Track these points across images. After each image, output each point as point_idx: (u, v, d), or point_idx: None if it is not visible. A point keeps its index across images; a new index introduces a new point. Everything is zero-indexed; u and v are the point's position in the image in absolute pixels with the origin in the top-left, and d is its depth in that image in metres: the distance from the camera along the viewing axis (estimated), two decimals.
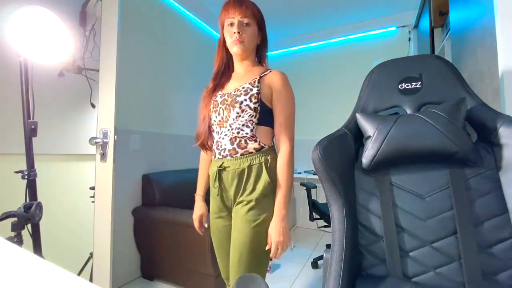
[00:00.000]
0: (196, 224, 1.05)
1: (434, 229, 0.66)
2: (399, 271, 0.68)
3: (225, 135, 0.89)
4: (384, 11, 2.73)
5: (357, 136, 0.84)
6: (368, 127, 0.78)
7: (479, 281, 0.61)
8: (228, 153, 0.88)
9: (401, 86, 0.80)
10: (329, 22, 2.97)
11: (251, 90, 0.88)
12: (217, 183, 0.90)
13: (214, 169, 0.91)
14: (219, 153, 0.91)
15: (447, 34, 1.73)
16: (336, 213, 0.71)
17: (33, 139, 1.04)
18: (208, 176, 1.01)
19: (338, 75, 3.07)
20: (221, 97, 0.92)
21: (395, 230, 0.69)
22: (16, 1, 1.15)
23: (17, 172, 1.01)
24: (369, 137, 0.78)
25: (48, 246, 1.13)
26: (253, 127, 0.89)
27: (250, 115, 0.88)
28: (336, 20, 2.94)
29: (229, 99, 0.89)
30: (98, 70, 1.57)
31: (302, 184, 2.41)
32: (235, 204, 0.90)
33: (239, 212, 0.87)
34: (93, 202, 1.62)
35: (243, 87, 0.90)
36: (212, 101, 0.94)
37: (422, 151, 0.71)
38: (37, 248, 1.04)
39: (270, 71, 0.92)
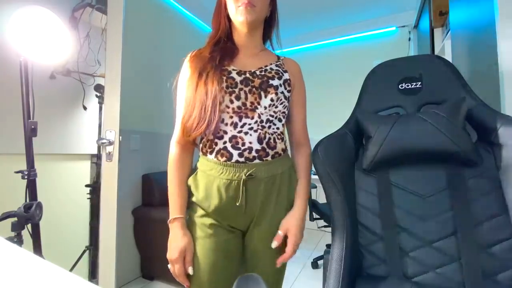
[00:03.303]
0: (177, 266, 0.67)
1: (434, 229, 0.66)
2: (399, 271, 0.68)
3: (250, 128, 0.68)
4: (384, 11, 2.73)
5: (357, 136, 0.84)
6: (368, 127, 0.78)
7: (479, 281, 0.61)
8: (256, 155, 0.68)
9: (401, 86, 0.80)
10: (329, 22, 2.97)
11: (283, 74, 0.74)
12: (242, 199, 0.66)
13: (235, 177, 0.67)
14: (240, 155, 0.67)
15: (447, 34, 1.73)
16: (336, 213, 0.71)
17: (33, 139, 1.04)
18: (188, 187, 0.74)
19: (338, 75, 3.07)
20: (239, 74, 0.70)
21: (395, 230, 0.69)
22: (13, 1, 1.15)
23: (17, 172, 1.01)
24: (369, 137, 0.78)
25: (48, 246, 1.13)
26: (284, 121, 0.75)
27: (284, 106, 0.73)
28: (336, 20, 2.94)
29: (257, 80, 0.70)
30: (91, 75, 1.69)
31: None
32: (256, 222, 0.70)
33: (269, 231, 0.70)
34: (88, 199, 1.68)
35: (271, 68, 0.74)
36: (225, 78, 0.68)
37: (422, 151, 0.71)
38: (37, 248, 1.04)
39: (285, 57, 0.81)
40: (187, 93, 0.69)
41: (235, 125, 0.69)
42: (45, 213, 1.05)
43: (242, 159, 0.68)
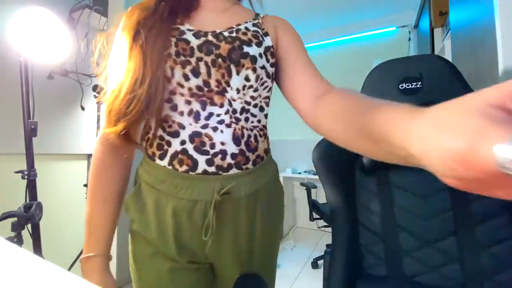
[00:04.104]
0: None
1: (435, 229, 0.66)
2: (400, 271, 0.67)
3: (221, 122, 0.47)
4: (384, 11, 2.73)
5: None
6: None
7: (479, 281, 0.61)
8: (232, 161, 0.48)
9: (401, 86, 0.80)
10: (329, 22, 2.97)
11: (263, 39, 0.52)
12: (212, 230, 0.47)
13: (202, 197, 0.47)
14: (209, 162, 0.47)
15: (447, 34, 1.73)
16: (336, 213, 0.71)
17: (33, 139, 1.04)
18: (125, 207, 0.52)
19: (338, 75, 3.06)
20: (197, 36, 0.48)
21: (395, 230, 0.69)
22: (13, 2, 1.15)
23: (17, 172, 1.01)
24: None
25: (48, 245, 1.13)
26: (267, 111, 0.55)
27: (267, 89, 0.53)
28: (336, 20, 2.95)
29: (225, 46, 0.48)
30: (89, 75, 1.68)
31: (302, 184, 2.41)
32: (236, 253, 0.52)
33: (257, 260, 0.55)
34: (86, 198, 1.69)
35: (246, 29, 0.52)
36: (174, 40, 0.46)
37: None
38: (37, 248, 1.04)
39: (266, 15, 0.59)
40: (117, 60, 0.46)
41: (196, 116, 0.47)
42: (44, 213, 1.05)
43: (212, 169, 0.47)
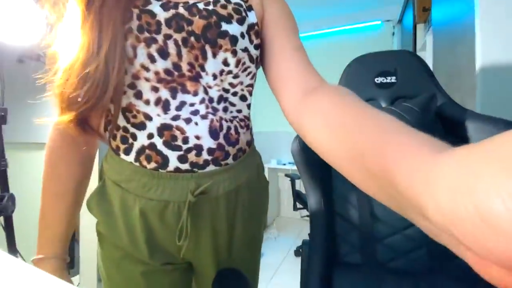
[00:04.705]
0: None
1: (405, 217, 0.70)
2: (373, 258, 0.71)
3: (195, 113, 0.42)
4: (371, 4, 2.74)
5: None
6: None
7: (444, 264, 0.65)
8: (209, 158, 0.43)
9: (377, 80, 0.82)
10: (315, 14, 2.96)
11: (246, 15, 0.44)
12: (185, 234, 0.42)
13: (174, 197, 0.43)
14: (182, 158, 0.42)
15: (429, 29, 1.77)
16: (314, 204, 0.73)
17: (3, 126, 0.98)
18: (69, 205, 0.48)
19: (321, 68, 3.08)
20: (165, 7, 0.41)
21: (370, 220, 0.71)
22: None
23: None
24: None
25: (22, 239, 1.09)
26: (250, 100, 0.49)
27: (250, 74, 0.46)
28: (322, 12, 2.93)
29: (199, 22, 0.41)
30: None
31: (287, 175, 2.45)
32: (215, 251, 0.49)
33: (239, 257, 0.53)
34: None
35: (227, 0, 0.44)
36: (136, 12, 0.39)
37: None
38: (11, 242, 1.00)
39: None
40: (69, 32, 0.38)
41: (165, 106, 0.41)
42: (18, 205, 1.00)
43: (186, 166, 0.42)
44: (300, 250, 2.37)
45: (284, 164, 3.12)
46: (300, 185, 2.85)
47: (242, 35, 0.43)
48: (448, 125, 0.72)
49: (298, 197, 2.33)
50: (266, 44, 0.46)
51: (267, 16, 0.47)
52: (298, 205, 2.34)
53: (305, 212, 2.42)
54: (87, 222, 1.30)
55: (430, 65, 1.46)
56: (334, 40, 3.07)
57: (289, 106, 0.38)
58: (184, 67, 0.41)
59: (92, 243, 1.40)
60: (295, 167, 2.95)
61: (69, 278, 0.48)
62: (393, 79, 0.79)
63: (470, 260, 0.14)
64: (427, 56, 1.68)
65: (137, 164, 0.43)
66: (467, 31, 0.96)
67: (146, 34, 0.39)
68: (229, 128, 0.45)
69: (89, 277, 1.43)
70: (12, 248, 0.98)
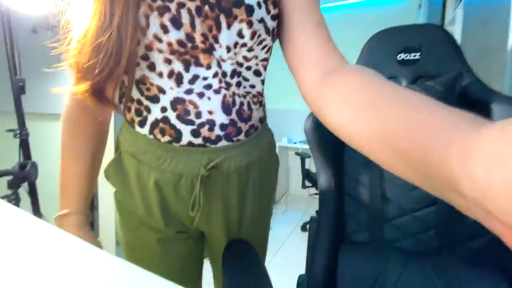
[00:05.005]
0: None
1: (417, 199, 0.69)
2: (380, 237, 0.72)
3: (208, 87, 0.42)
4: None
5: None
6: None
7: (452, 247, 0.65)
8: (222, 133, 0.44)
9: (400, 57, 0.77)
10: None
11: None
12: (198, 207, 0.45)
13: (187, 171, 0.44)
14: (194, 132, 0.43)
15: (459, 2, 1.63)
16: (324, 184, 0.73)
17: (22, 97, 1.01)
18: (87, 166, 0.50)
19: (342, 42, 2.93)
20: None
21: (380, 200, 0.71)
22: None
23: (8, 130, 1.00)
24: None
25: (46, 205, 1.16)
26: (264, 75, 0.48)
27: (265, 48, 0.45)
28: None
29: None
30: None
31: (297, 154, 2.45)
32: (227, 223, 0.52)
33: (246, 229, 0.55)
34: None
35: None
36: None
37: None
38: (35, 206, 1.08)
39: None
40: (81, 1, 0.38)
41: (178, 78, 0.41)
42: (40, 172, 1.06)
43: (198, 140, 0.43)
44: (307, 225, 2.43)
45: (295, 143, 3.10)
46: (309, 164, 2.86)
47: (259, 4, 0.40)
48: (473, 106, 0.69)
49: (307, 175, 2.34)
50: (284, 15, 0.43)
51: None
52: (307, 184, 2.36)
53: (313, 190, 2.45)
54: (105, 190, 1.36)
55: (458, 41, 1.36)
56: (355, 12, 2.89)
57: (307, 85, 0.37)
58: (198, 38, 0.39)
59: (110, 210, 1.48)
60: (305, 146, 2.96)
61: (91, 233, 0.49)
62: (417, 55, 0.74)
63: (507, 236, 0.14)
64: (456, 31, 1.56)
65: (152, 137, 0.44)
66: (501, 8, 0.87)
67: (159, 2, 0.38)
68: (241, 104, 0.45)
69: (108, 239, 1.53)
70: (36, 212, 1.06)
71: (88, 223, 0.50)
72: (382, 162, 0.25)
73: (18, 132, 1.00)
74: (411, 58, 0.75)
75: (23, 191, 1.03)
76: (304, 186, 2.38)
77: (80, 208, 0.48)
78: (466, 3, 1.45)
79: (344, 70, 0.34)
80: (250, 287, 0.46)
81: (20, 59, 1.03)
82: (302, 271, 0.79)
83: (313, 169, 2.54)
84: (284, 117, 3.28)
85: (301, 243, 2.23)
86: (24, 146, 1.02)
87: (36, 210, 1.07)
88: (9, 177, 0.96)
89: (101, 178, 0.53)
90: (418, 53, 0.75)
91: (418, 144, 0.19)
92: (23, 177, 0.98)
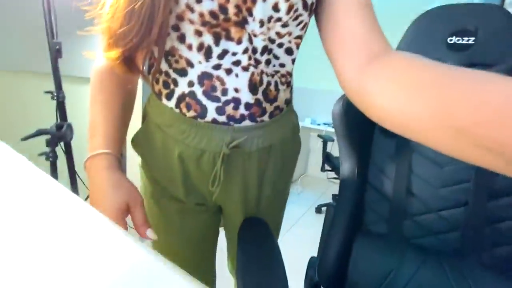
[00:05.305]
0: (120, 222, 0.39)
1: (445, 198, 0.66)
2: (399, 231, 0.70)
3: (236, 63, 0.41)
4: None
5: None
6: None
7: (478, 251, 0.62)
8: (246, 112, 0.44)
9: (450, 40, 0.69)
10: None
11: None
12: (218, 182, 0.46)
13: (209, 147, 0.44)
14: (219, 110, 0.43)
15: None
16: (347, 170, 0.71)
17: (59, 60, 1.05)
18: (117, 114, 0.47)
19: (387, 19, 2.69)
20: None
21: (404, 194, 0.68)
22: None
23: (46, 92, 1.06)
24: None
25: (81, 165, 1.25)
26: (296, 55, 0.46)
27: (301, 24, 0.42)
28: None
29: None
30: None
31: (320, 136, 2.40)
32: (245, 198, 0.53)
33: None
34: None
35: None
36: None
37: None
38: (71, 165, 1.16)
39: None
40: None
41: (207, 52, 0.40)
42: (76, 134, 1.13)
43: (222, 118, 0.43)
44: (322, 208, 2.44)
45: (319, 125, 3.03)
46: (331, 148, 2.80)
47: None
48: None
49: (327, 159, 2.30)
50: None
51: None
52: (327, 167, 2.33)
53: (332, 174, 2.42)
54: (133, 155, 1.44)
55: None
56: None
57: (348, 72, 0.35)
58: (231, 10, 0.38)
59: (137, 178, 1.57)
60: (329, 129, 2.88)
61: (123, 176, 0.43)
62: (471, 40, 0.66)
63: None
64: None
65: (177, 110, 0.44)
66: None
67: None
68: (269, 83, 0.44)
69: None
70: (71, 170, 1.15)
71: (120, 167, 0.43)
72: (441, 143, 0.24)
73: (55, 94, 1.06)
74: (464, 42, 0.67)
75: (59, 149, 1.11)
76: (323, 170, 2.35)
77: (110, 149, 0.43)
78: None
79: (391, 54, 0.32)
80: (262, 263, 0.47)
81: (57, 22, 1.05)
82: (312, 252, 0.80)
83: (334, 152, 2.49)
84: (309, 97, 3.18)
85: (314, 224, 2.26)
86: (61, 108, 1.08)
87: (71, 168, 1.16)
88: (47, 136, 1.04)
89: (127, 143, 0.55)
90: (473, 38, 0.66)
91: (492, 115, 0.18)
92: (60, 137, 1.05)
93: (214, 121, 0.43)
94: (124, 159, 1.55)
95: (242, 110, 0.43)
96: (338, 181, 2.48)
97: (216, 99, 0.42)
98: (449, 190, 0.66)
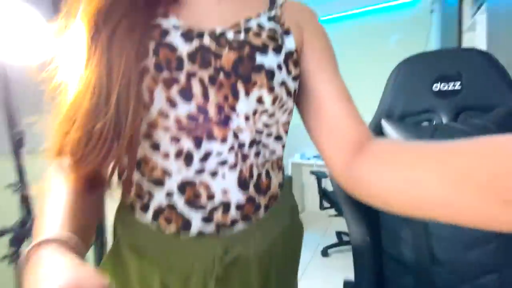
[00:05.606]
0: None
1: (476, 263, 0.57)
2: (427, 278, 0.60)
3: (222, 163, 0.35)
4: None
5: None
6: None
7: None
8: (238, 214, 0.37)
9: (436, 87, 0.67)
10: None
11: (283, 41, 0.37)
12: None
13: (198, 267, 0.35)
14: (206, 219, 0.35)
15: (480, 6, 1.51)
16: (358, 240, 0.62)
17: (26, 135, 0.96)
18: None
19: (350, 52, 2.83)
20: (186, 38, 0.33)
21: (428, 262, 0.60)
22: None
23: (7, 186, 0.95)
24: None
25: None
26: (285, 139, 0.42)
27: (287, 111, 0.39)
28: None
29: (229, 54, 0.34)
30: None
31: (312, 173, 2.33)
32: None
33: None
34: None
35: (260, 26, 0.36)
36: (153, 44, 0.32)
37: None
38: None
39: (283, 1, 0.42)
40: (72, 69, 0.32)
41: (187, 158, 0.34)
42: None
43: (210, 228, 0.36)
44: (328, 251, 2.28)
45: (309, 159, 2.98)
46: (325, 183, 2.73)
47: (279, 67, 0.36)
48: None
49: (324, 195, 2.22)
50: (305, 79, 0.40)
51: (307, 46, 0.41)
52: (325, 205, 2.23)
53: (332, 211, 2.31)
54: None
55: (484, 47, 1.24)
56: (364, 21, 2.79)
57: (337, 164, 0.36)
58: (212, 110, 0.34)
59: None
60: (319, 162, 2.83)
61: (75, 257, 0.27)
62: (457, 85, 0.64)
63: None
64: (478, 38, 1.44)
65: (154, 227, 0.37)
66: None
67: (166, 74, 0.32)
68: (259, 175, 0.39)
69: None
70: None
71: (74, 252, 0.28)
72: (458, 212, 0.23)
73: (19, 186, 0.95)
74: (450, 88, 0.65)
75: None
76: (322, 208, 2.25)
77: (57, 235, 0.28)
78: (489, 7, 1.33)
79: (377, 141, 0.34)
80: None
81: (18, 103, 0.98)
82: None
83: (329, 187, 2.41)
84: (296, 132, 3.15)
85: (322, 270, 2.08)
86: (25, 201, 0.96)
87: None
88: (10, 235, 0.90)
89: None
90: (458, 83, 0.64)
91: (505, 168, 0.19)
92: (25, 235, 0.92)
93: (200, 234, 0.36)
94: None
95: (233, 213, 0.36)
96: (338, 217, 2.35)
97: (202, 208, 0.35)
98: (479, 250, 0.57)
